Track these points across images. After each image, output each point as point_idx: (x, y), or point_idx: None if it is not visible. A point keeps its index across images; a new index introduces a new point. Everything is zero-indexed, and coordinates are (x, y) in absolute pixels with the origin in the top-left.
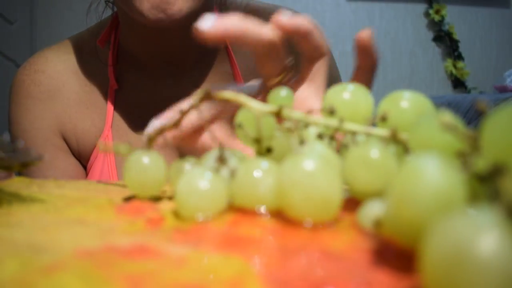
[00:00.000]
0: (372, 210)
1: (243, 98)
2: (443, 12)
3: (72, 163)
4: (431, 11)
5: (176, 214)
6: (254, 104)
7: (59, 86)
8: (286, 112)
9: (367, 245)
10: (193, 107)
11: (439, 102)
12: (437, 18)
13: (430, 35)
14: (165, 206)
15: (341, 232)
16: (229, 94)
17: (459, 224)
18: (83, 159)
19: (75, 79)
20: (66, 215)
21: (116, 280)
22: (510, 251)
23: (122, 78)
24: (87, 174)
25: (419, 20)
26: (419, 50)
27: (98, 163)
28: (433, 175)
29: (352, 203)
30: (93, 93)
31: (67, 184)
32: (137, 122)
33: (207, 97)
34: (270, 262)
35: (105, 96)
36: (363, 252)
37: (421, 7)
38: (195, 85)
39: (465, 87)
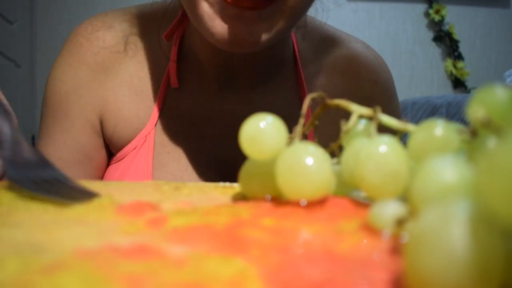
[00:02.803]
0: (386, 210)
1: (346, 103)
2: (443, 12)
3: (96, 144)
4: (431, 11)
5: (177, 214)
6: (353, 107)
7: (116, 62)
8: (381, 117)
9: (373, 246)
10: (316, 117)
11: (439, 102)
12: (437, 18)
13: (430, 35)
14: (166, 206)
15: (347, 233)
16: (341, 102)
17: (430, 214)
18: (114, 147)
19: (132, 60)
20: (66, 215)
21: (116, 280)
22: (476, 239)
23: (180, 78)
24: (110, 162)
25: (419, 20)
26: (419, 50)
27: (133, 156)
28: (446, 175)
29: (363, 205)
30: (146, 82)
31: None
32: (185, 128)
33: (325, 106)
34: (270, 263)
35: (157, 89)
36: (367, 252)
37: (421, 7)
38: (258, 105)
39: (465, 87)
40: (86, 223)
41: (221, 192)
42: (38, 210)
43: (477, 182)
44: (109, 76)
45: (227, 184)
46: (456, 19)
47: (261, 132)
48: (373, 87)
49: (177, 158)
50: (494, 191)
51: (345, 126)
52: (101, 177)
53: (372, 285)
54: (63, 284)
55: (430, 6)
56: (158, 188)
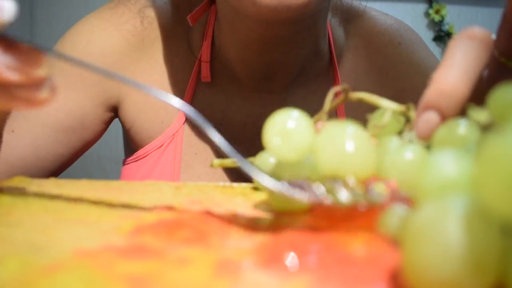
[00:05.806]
0: (395, 215)
1: (375, 98)
2: (443, 12)
3: (100, 117)
4: (431, 11)
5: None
6: (385, 102)
7: (155, 41)
8: (411, 113)
9: (375, 245)
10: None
11: None
12: (437, 18)
13: (430, 35)
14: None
15: (351, 233)
16: (364, 94)
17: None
18: (133, 137)
19: (172, 43)
20: (66, 215)
21: (116, 280)
22: (471, 233)
23: (211, 74)
24: (130, 160)
25: (419, 20)
26: None
27: (159, 155)
28: (447, 170)
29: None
30: (179, 72)
31: (67, 184)
32: (218, 128)
33: (345, 99)
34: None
35: (187, 82)
36: (369, 252)
37: (421, 7)
38: (292, 106)
39: None
40: (86, 223)
41: (220, 192)
42: (38, 210)
43: (474, 176)
44: (145, 55)
45: (227, 184)
46: (456, 19)
47: (290, 130)
48: (398, 49)
49: (204, 160)
50: (490, 183)
51: (377, 121)
52: (84, 151)
53: (373, 281)
54: (63, 284)
55: (430, 6)
56: (158, 188)
